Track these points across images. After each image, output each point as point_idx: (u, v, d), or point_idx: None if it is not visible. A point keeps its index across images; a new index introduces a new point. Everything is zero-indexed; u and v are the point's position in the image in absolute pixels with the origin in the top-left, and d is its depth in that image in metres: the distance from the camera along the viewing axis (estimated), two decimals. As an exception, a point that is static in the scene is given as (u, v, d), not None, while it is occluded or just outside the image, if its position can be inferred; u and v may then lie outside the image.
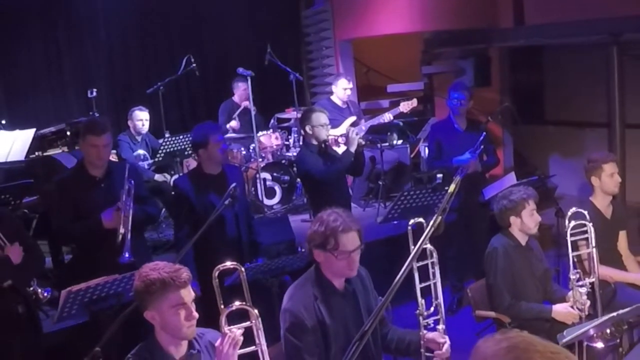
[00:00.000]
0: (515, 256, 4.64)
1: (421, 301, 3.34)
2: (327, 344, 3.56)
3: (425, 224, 3.19)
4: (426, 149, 9.11)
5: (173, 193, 5.80)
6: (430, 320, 3.60)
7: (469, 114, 6.83)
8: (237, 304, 3.07)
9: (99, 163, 4.76)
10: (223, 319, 3.05)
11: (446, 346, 3.53)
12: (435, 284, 3.44)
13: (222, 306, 3.07)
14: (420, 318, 3.56)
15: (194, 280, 5.04)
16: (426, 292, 3.52)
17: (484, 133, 6.33)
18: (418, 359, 3.61)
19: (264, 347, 3.13)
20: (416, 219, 3.43)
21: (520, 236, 4.69)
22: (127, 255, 4.48)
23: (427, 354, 3.55)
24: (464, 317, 5.81)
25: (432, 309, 3.57)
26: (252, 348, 3.14)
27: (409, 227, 3.43)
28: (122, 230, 4.55)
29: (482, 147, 6.30)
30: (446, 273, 6.71)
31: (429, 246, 3.55)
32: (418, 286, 3.58)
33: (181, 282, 2.97)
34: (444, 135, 6.64)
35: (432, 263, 3.62)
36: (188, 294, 3.01)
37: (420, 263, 3.62)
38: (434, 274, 3.61)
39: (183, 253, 4.29)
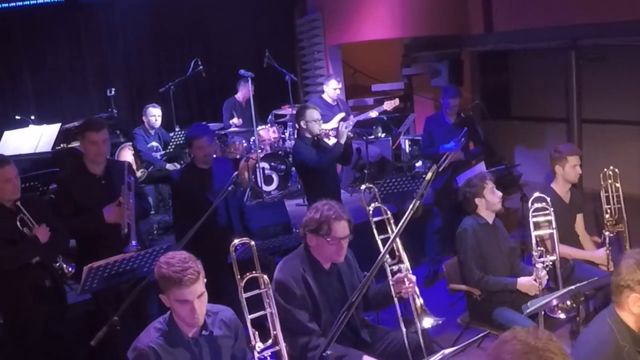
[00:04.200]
0: (483, 235, 4.62)
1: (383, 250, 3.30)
2: (317, 313, 3.55)
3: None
4: (407, 141, 9.18)
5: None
6: (395, 267, 3.64)
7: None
8: (249, 274, 3.13)
9: (99, 159, 4.54)
10: (241, 287, 3.12)
11: (410, 278, 3.56)
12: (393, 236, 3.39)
13: (239, 277, 3.13)
14: (386, 265, 3.55)
15: None
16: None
17: (465, 128, 6.32)
18: (392, 304, 3.68)
19: (275, 311, 3.16)
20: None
21: (487, 215, 4.67)
22: (134, 243, 4.31)
23: (398, 294, 3.59)
24: (439, 289, 5.81)
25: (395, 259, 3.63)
26: (262, 312, 3.18)
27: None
28: (127, 223, 4.37)
29: (463, 139, 6.28)
30: (426, 248, 6.72)
31: (381, 206, 3.79)
32: (378, 238, 3.70)
33: (186, 281, 2.82)
34: (434, 126, 6.64)
35: (388, 219, 3.80)
36: (194, 291, 2.85)
37: (377, 218, 3.75)
38: (391, 229, 3.74)
39: (184, 242, 4.22)
